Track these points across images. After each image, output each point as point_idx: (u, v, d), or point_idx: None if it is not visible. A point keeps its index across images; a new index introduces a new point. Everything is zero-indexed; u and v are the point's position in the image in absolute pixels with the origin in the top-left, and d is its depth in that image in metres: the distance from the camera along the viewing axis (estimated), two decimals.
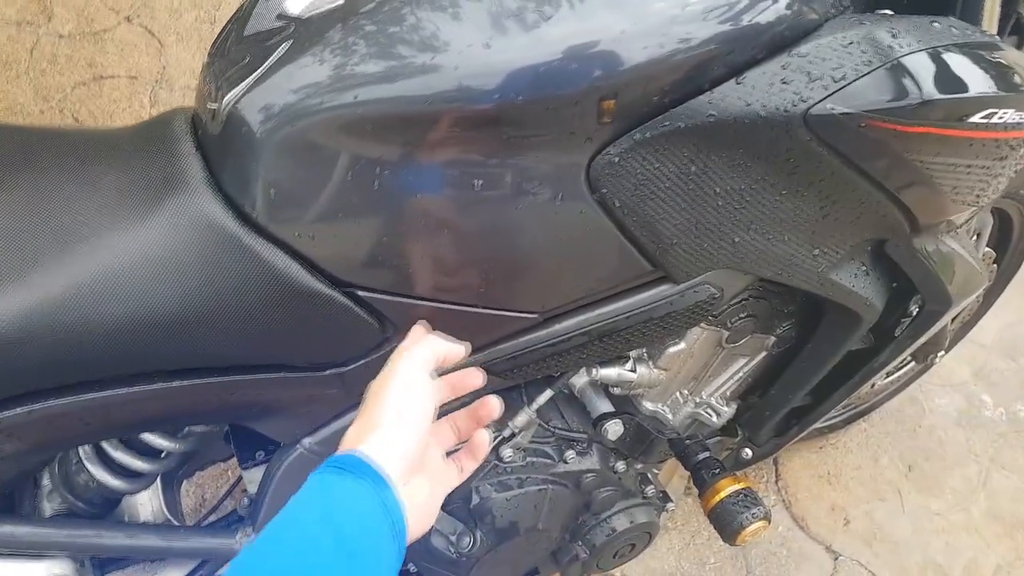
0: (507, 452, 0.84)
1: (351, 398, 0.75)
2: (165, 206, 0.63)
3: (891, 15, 0.66)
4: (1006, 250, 1.50)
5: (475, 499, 0.84)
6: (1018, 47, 0.92)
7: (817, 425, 1.68)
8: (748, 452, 1.00)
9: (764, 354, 0.91)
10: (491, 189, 0.62)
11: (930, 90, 0.60)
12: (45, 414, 0.62)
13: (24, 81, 1.93)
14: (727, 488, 0.87)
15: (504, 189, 0.62)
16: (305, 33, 0.60)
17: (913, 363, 1.63)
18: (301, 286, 0.64)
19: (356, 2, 0.59)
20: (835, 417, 1.72)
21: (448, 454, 0.62)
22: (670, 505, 1.00)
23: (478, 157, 0.60)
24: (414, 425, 0.53)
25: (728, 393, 0.95)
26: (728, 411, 0.94)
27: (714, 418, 0.94)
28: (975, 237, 1.20)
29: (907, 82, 0.60)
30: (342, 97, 0.58)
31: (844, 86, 0.59)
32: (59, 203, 0.63)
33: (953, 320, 1.52)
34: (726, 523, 0.86)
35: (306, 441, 0.77)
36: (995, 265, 1.49)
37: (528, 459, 0.86)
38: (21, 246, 0.60)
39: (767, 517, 0.86)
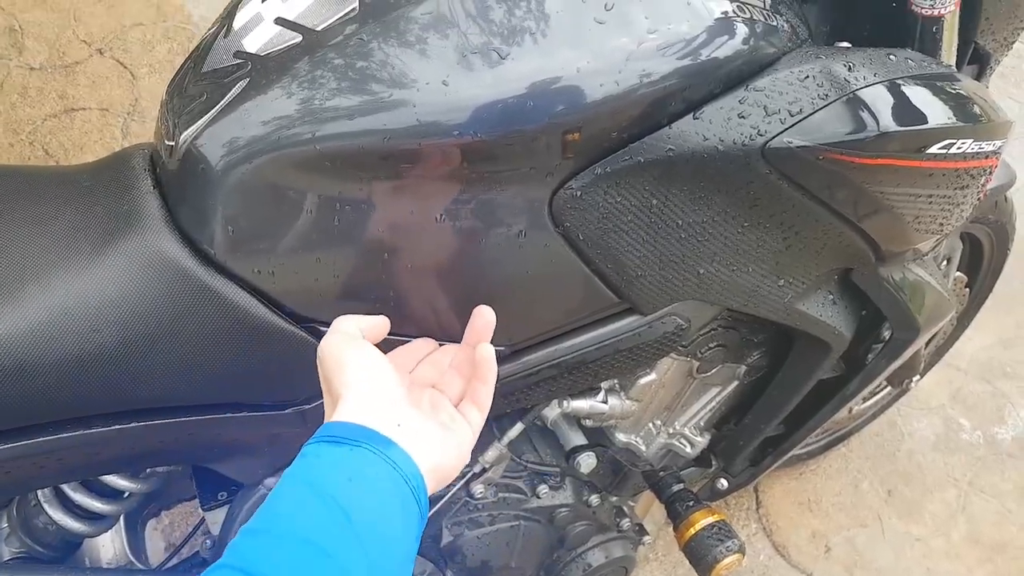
0: (478, 488, 0.83)
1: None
2: (121, 243, 0.61)
3: (848, 48, 0.67)
4: (977, 274, 1.52)
5: (445, 537, 0.82)
6: (977, 77, 0.94)
7: (795, 452, 1.68)
8: (724, 482, 0.99)
9: (736, 383, 0.91)
10: (453, 224, 0.62)
11: (887, 122, 0.61)
12: None
13: None
14: (701, 520, 0.86)
15: (467, 224, 0.62)
16: (262, 70, 0.60)
17: (889, 388, 1.64)
18: (262, 323, 0.63)
19: (314, 40, 0.59)
20: (813, 443, 1.71)
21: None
22: (647, 538, 0.98)
23: (439, 192, 0.60)
24: (378, 375, 0.52)
25: (702, 423, 0.94)
26: (702, 441, 0.94)
27: (688, 448, 0.93)
28: (945, 262, 1.21)
29: (864, 115, 0.61)
30: (300, 134, 0.57)
31: (801, 119, 0.60)
32: (11, 240, 0.62)
33: (927, 344, 1.54)
34: (701, 556, 0.85)
35: (269, 481, 0.75)
36: (967, 289, 1.50)
37: (500, 495, 0.85)
38: None
39: (741, 550, 0.85)
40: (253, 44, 0.61)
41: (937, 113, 0.65)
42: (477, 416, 0.58)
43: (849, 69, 0.62)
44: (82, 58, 2.05)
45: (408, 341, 0.68)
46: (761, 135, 0.60)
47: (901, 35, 0.75)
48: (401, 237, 0.62)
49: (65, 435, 0.62)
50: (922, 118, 0.63)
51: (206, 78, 0.63)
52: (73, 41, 2.07)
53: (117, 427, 0.64)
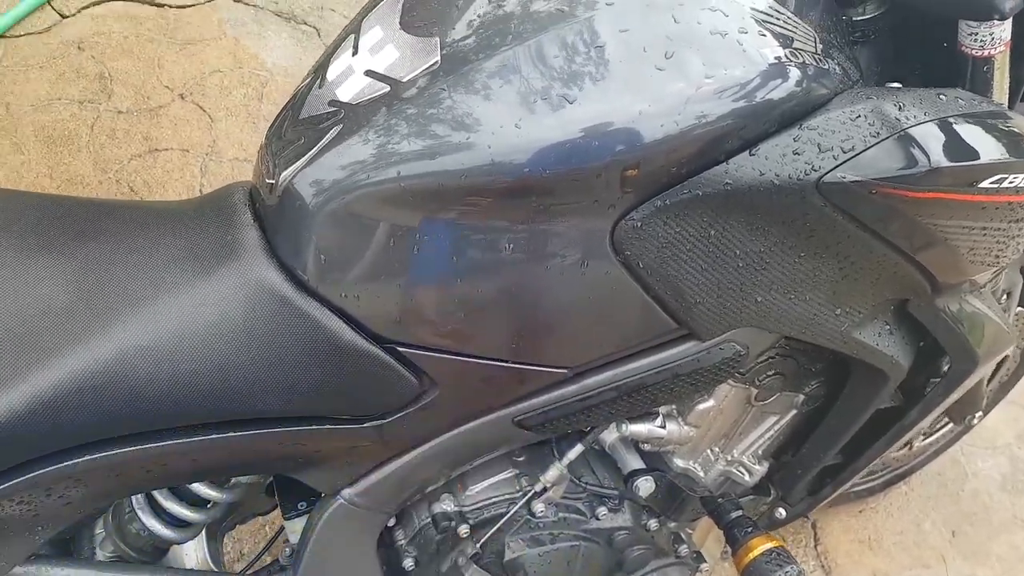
0: (539, 507, 0.86)
1: (389, 449, 0.79)
2: (224, 271, 0.68)
3: (899, 88, 0.70)
4: None
5: (508, 554, 0.86)
6: None
7: (856, 488, 1.67)
8: (782, 512, 1.00)
9: (794, 412, 0.92)
10: (522, 253, 0.67)
11: (938, 158, 0.64)
12: (110, 462, 0.67)
13: (85, 154, 2.07)
14: (760, 546, 0.87)
15: (534, 253, 0.67)
16: (354, 117, 0.66)
17: (951, 425, 1.61)
18: (346, 343, 0.68)
19: (399, 89, 0.66)
20: (874, 480, 1.69)
21: None
22: (704, 566, 0.99)
23: (509, 224, 0.65)
24: None
25: (760, 452, 0.96)
26: (760, 469, 0.95)
27: (746, 476, 0.95)
28: (1006, 296, 1.20)
29: (915, 151, 0.64)
30: (386, 173, 0.63)
31: (854, 156, 0.63)
32: (127, 268, 0.70)
33: (990, 381, 1.51)
34: None
35: (346, 492, 0.80)
36: None
37: (560, 515, 0.88)
38: (93, 308, 0.66)
39: (801, 575, 0.86)
40: (345, 94, 0.68)
41: (988, 149, 0.67)
42: None
43: (900, 108, 0.65)
44: (165, 102, 2.20)
45: (480, 362, 0.73)
46: (815, 170, 0.63)
47: (952, 76, 0.77)
48: (473, 265, 0.67)
49: (171, 442, 0.69)
50: (973, 154, 0.66)
51: (303, 124, 0.70)
52: (157, 87, 2.23)
53: (216, 436, 0.70)
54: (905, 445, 1.55)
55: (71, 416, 0.63)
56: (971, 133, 0.67)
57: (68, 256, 0.70)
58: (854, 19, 0.80)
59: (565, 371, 0.76)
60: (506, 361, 0.74)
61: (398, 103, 0.65)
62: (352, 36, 0.73)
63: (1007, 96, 0.83)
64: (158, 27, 2.38)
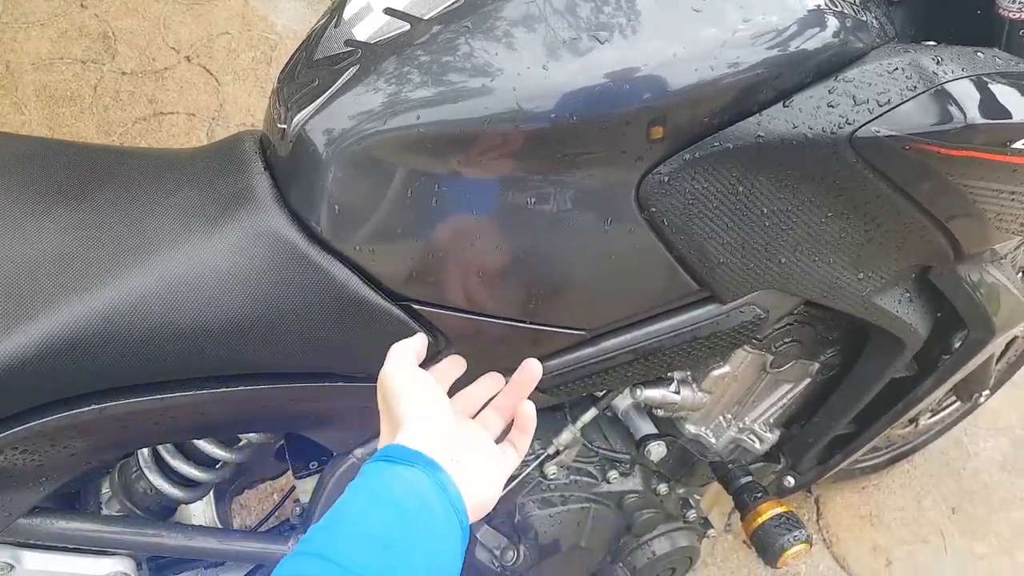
0: (551, 469, 0.86)
1: None
2: (235, 221, 0.66)
3: (936, 45, 0.68)
4: None
5: (519, 515, 0.85)
6: None
7: (860, 465, 1.67)
8: (791, 480, 1.00)
9: (808, 381, 0.92)
10: (544, 207, 0.65)
11: (974, 115, 0.62)
12: (116, 413, 0.66)
13: (88, 116, 2.04)
14: (769, 511, 0.86)
15: (556, 207, 0.65)
16: (372, 58, 0.64)
17: (957, 403, 1.60)
18: (360, 299, 0.67)
19: (420, 29, 0.64)
20: (878, 457, 1.69)
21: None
22: (711, 531, 0.99)
23: (532, 175, 0.63)
24: (434, 406, 0.58)
25: (772, 420, 0.95)
26: (771, 437, 0.95)
27: (757, 444, 0.94)
28: (1021, 273, 1.19)
29: (951, 107, 0.62)
30: (405, 118, 0.61)
31: (889, 110, 0.61)
32: (136, 216, 0.68)
33: (997, 361, 1.50)
34: (768, 545, 0.86)
35: (358, 451, 0.79)
36: None
37: (571, 477, 0.87)
38: (100, 255, 0.65)
39: (808, 540, 0.86)
40: (363, 33, 0.66)
41: (1021, 108, 0.65)
42: (514, 458, 0.62)
43: (937, 63, 0.63)
44: (171, 64, 2.17)
45: (497, 322, 0.72)
46: (849, 124, 0.61)
47: (988, 38, 0.75)
48: (493, 219, 0.65)
49: (179, 394, 0.67)
50: (1008, 113, 0.64)
51: (317, 65, 0.67)
52: (163, 48, 2.20)
53: (224, 389, 0.68)
54: (911, 422, 1.55)
55: (76, 364, 0.62)
56: (1007, 92, 0.65)
57: (77, 201, 0.69)
58: None
59: (583, 333, 0.74)
60: (523, 321, 0.73)
61: (418, 43, 0.63)
62: None
63: None
64: None
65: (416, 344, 0.63)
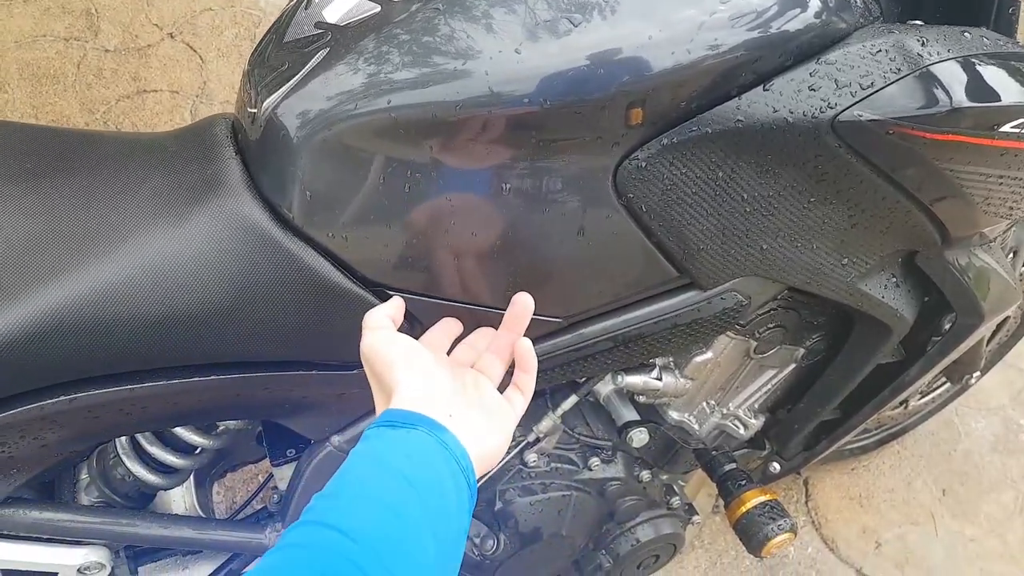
0: (531, 457, 0.85)
1: None
2: (205, 207, 0.65)
3: (922, 25, 0.66)
4: None
5: (499, 503, 0.84)
6: None
7: (850, 446, 1.67)
8: (776, 466, 0.99)
9: (793, 366, 0.91)
10: (519, 193, 0.63)
11: (960, 98, 0.60)
12: (86, 403, 0.64)
13: (71, 94, 2.01)
14: (753, 499, 0.86)
15: (532, 193, 0.64)
16: (342, 40, 0.62)
17: (948, 384, 1.60)
18: (333, 286, 0.66)
19: (391, 11, 0.62)
20: (868, 438, 1.69)
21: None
22: (696, 518, 0.99)
23: (507, 161, 0.62)
24: (426, 367, 0.57)
25: (756, 405, 0.94)
26: (756, 423, 0.94)
27: (741, 430, 0.94)
28: (1012, 254, 1.18)
29: (936, 90, 0.60)
30: (376, 102, 0.60)
31: (872, 93, 0.59)
32: (104, 201, 0.66)
33: (989, 341, 1.50)
34: (752, 534, 0.85)
35: (335, 439, 0.78)
36: None
37: (552, 465, 0.87)
38: (67, 241, 0.63)
39: (793, 529, 0.85)
40: (333, 15, 0.64)
41: (1012, 91, 0.64)
42: (521, 401, 0.62)
43: (922, 44, 0.61)
44: (154, 41, 2.13)
45: (473, 308, 0.71)
46: (831, 107, 0.60)
47: (976, 17, 0.73)
48: (468, 205, 0.64)
49: (149, 384, 0.66)
50: (996, 95, 0.63)
51: (287, 48, 0.65)
52: (146, 25, 2.15)
53: (196, 379, 0.67)
54: (901, 404, 1.54)
55: (44, 354, 0.60)
56: (995, 74, 0.63)
57: (47, 186, 0.67)
58: None
59: (559, 320, 0.73)
60: (499, 308, 0.71)
61: (390, 25, 0.61)
62: None
63: None
64: None
65: (389, 309, 0.62)
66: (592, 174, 0.63)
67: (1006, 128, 0.64)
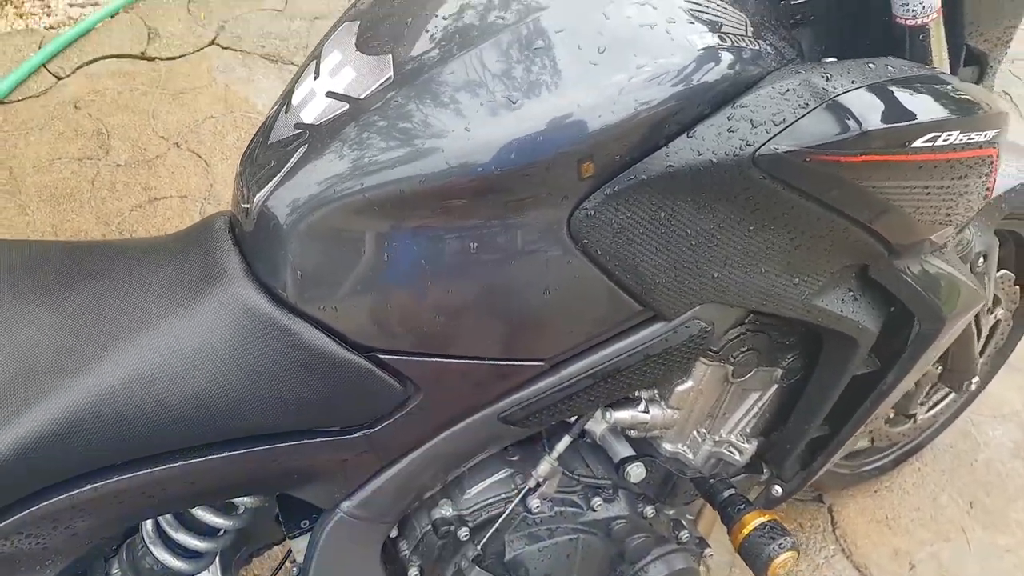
0: (535, 503, 0.88)
1: (382, 458, 0.82)
2: (208, 296, 0.72)
3: (831, 62, 0.73)
4: None
5: (508, 553, 0.88)
6: (979, 76, 0.98)
7: (866, 468, 1.67)
8: (778, 489, 1.02)
9: (775, 387, 0.94)
10: (486, 250, 0.70)
11: (867, 121, 0.67)
12: (112, 489, 0.70)
13: (87, 210, 2.13)
14: (753, 521, 0.88)
15: (498, 249, 0.70)
16: (318, 137, 0.70)
17: (952, 395, 1.61)
18: (328, 354, 0.72)
19: (358, 105, 0.70)
20: (884, 458, 1.69)
21: None
22: (708, 551, 1.01)
23: (471, 224, 0.69)
24: None
25: (748, 430, 0.98)
26: (749, 448, 0.97)
27: (737, 456, 0.97)
28: (982, 258, 1.21)
29: (844, 117, 0.67)
30: (351, 186, 0.67)
31: (785, 127, 0.66)
32: (115, 304, 0.73)
33: (985, 347, 1.52)
34: (755, 556, 0.87)
35: (345, 505, 0.83)
36: (1018, 287, 1.49)
37: (556, 509, 0.90)
38: (88, 343, 0.70)
39: (795, 547, 0.87)
40: (309, 116, 0.72)
41: (918, 109, 0.70)
42: None
43: (827, 79, 0.68)
44: (162, 152, 2.27)
45: (459, 362, 0.76)
46: (750, 145, 0.66)
47: (893, 47, 0.80)
48: (442, 267, 0.70)
49: (169, 466, 0.72)
50: (903, 115, 0.69)
51: (272, 148, 0.74)
52: (153, 138, 2.30)
53: (211, 456, 0.73)
54: (909, 418, 1.56)
55: (72, 447, 0.67)
56: (900, 96, 0.70)
57: (61, 297, 0.74)
58: (792, 2, 0.83)
59: (542, 363, 0.78)
60: (485, 359, 0.77)
61: (357, 119, 0.69)
62: (314, 61, 0.77)
63: (947, 62, 0.85)
64: (151, 80, 2.46)
65: None
66: (548, 226, 0.70)
67: (917, 144, 0.70)
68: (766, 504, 1.03)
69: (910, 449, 1.72)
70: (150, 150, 2.27)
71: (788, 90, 0.67)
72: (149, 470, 0.72)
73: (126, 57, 2.46)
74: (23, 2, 2.48)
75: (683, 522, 1.00)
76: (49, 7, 2.49)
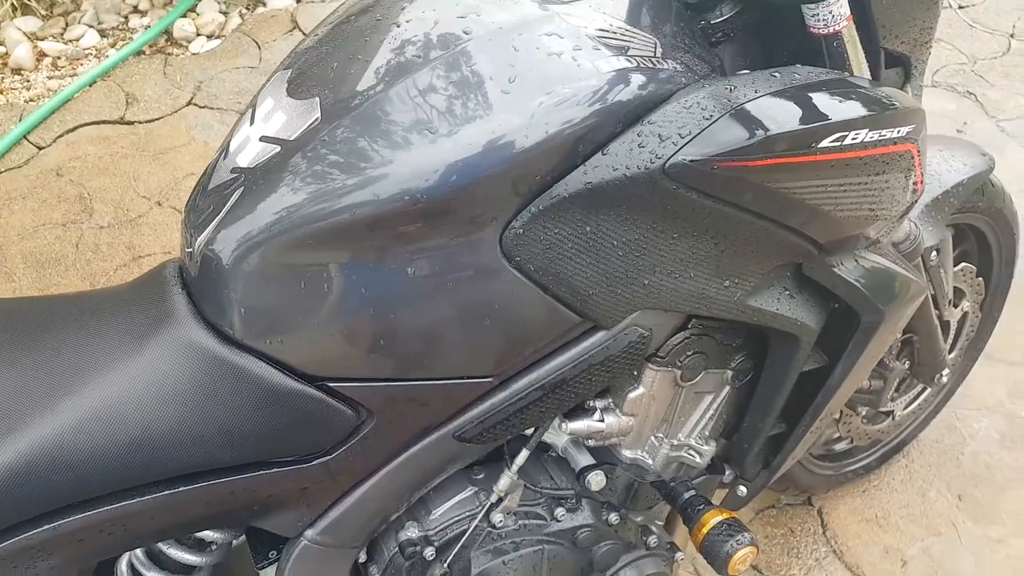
0: (497, 517, 0.90)
1: (341, 484, 0.84)
2: (157, 339, 0.76)
3: (738, 75, 0.78)
4: (990, 264, 1.54)
5: (474, 568, 0.89)
6: (905, 78, 1.02)
7: (851, 468, 1.68)
8: (743, 489, 1.03)
9: (728, 389, 0.97)
10: (423, 274, 0.73)
11: (769, 127, 0.71)
12: (70, 528, 0.72)
13: (72, 272, 2.18)
14: (712, 520, 0.90)
15: (434, 272, 0.73)
16: (253, 179, 0.74)
17: (928, 389, 1.63)
18: (279, 387, 0.75)
19: (288, 147, 0.74)
20: (868, 457, 1.70)
21: None
22: (679, 555, 1.02)
23: (403, 250, 0.72)
24: None
25: (707, 432, 1.00)
26: (709, 449, 0.99)
27: (697, 458, 0.99)
28: (935, 252, 1.25)
29: (748, 124, 0.70)
30: (285, 223, 0.71)
31: (691, 139, 0.70)
32: (71, 353, 0.77)
33: (956, 341, 1.54)
34: (715, 553, 0.89)
35: (309, 532, 0.85)
36: (980, 279, 1.52)
37: (520, 522, 0.92)
38: (43, 391, 0.73)
39: (753, 543, 0.89)
40: (244, 160, 0.76)
41: (822, 112, 0.74)
42: None
43: (730, 91, 0.72)
44: (144, 211, 2.32)
45: (406, 384, 0.79)
46: (659, 158, 0.70)
47: (813, 57, 0.85)
48: (382, 294, 0.74)
49: (126, 503, 0.74)
50: (806, 118, 0.73)
51: (211, 194, 0.78)
52: (135, 198, 2.35)
53: (168, 492, 0.75)
54: (887, 415, 1.57)
55: (29, 488, 0.69)
56: (804, 100, 0.74)
57: (20, 351, 0.77)
58: (712, 22, 0.87)
59: (491, 379, 0.81)
60: (433, 379, 0.80)
61: (288, 159, 0.73)
62: (251, 110, 0.82)
63: (865, 66, 0.89)
64: (131, 143, 2.52)
65: None
66: (481, 246, 0.73)
67: (824, 144, 0.74)
68: (734, 506, 1.05)
69: (895, 446, 1.73)
70: (133, 210, 2.32)
71: (693, 104, 0.71)
72: (107, 508, 0.74)
73: (105, 123, 2.53)
74: (2, 79, 2.55)
75: (651, 527, 1.02)
76: (28, 81, 2.56)
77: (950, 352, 1.57)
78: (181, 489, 0.75)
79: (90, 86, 2.57)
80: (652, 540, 1.00)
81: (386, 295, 0.74)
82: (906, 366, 1.39)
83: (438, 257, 0.73)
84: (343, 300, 0.73)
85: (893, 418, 1.58)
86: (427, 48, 0.74)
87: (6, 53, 2.61)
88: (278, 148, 0.75)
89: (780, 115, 0.72)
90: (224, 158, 0.79)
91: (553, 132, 0.70)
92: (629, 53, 0.74)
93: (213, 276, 0.74)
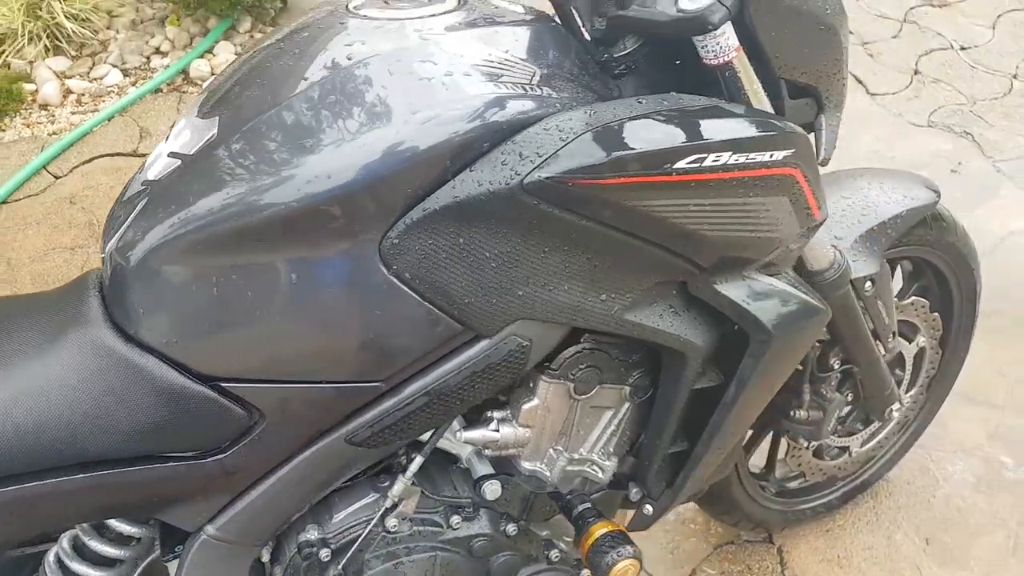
0: (392, 522, 0.93)
1: (238, 482, 0.88)
2: (68, 338, 0.83)
3: (608, 102, 0.82)
4: (950, 300, 1.53)
5: (366, 571, 0.92)
6: (818, 111, 1.04)
7: (812, 505, 1.66)
8: (649, 508, 1.04)
9: (628, 405, 0.99)
10: (307, 280, 0.79)
11: (620, 148, 0.75)
12: None
13: None
14: (599, 531, 0.92)
15: (317, 278, 0.79)
16: (156, 190, 0.81)
17: (892, 426, 1.60)
18: (172, 384, 0.80)
19: (187, 161, 0.81)
20: (829, 495, 1.67)
21: None
22: (584, 573, 1.03)
23: (287, 257, 0.78)
24: None
25: (611, 448, 1.02)
26: (611, 465, 1.01)
27: (600, 473, 1.01)
28: (870, 283, 1.24)
29: (601, 144, 0.75)
30: (181, 229, 0.78)
31: (547, 158, 0.75)
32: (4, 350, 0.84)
33: (915, 378, 1.53)
34: (597, 564, 0.90)
35: (208, 528, 0.89)
36: (936, 314, 1.51)
37: (414, 528, 0.94)
38: None
39: (636, 556, 0.90)
40: (152, 173, 0.84)
41: (679, 134, 0.78)
42: None
43: (589, 116, 0.77)
44: None
45: (298, 387, 0.84)
46: (518, 174, 0.75)
47: (714, 88, 0.89)
48: (268, 298, 0.79)
49: (30, 485, 0.80)
50: (660, 140, 0.77)
51: (123, 204, 0.85)
52: None
53: (68, 478, 0.81)
54: (842, 451, 1.55)
55: None
56: (661, 124, 0.78)
57: None
58: (615, 55, 0.92)
59: (380, 384, 0.85)
60: (323, 382, 0.84)
61: (186, 172, 0.80)
62: (170, 129, 0.90)
63: (762, 95, 0.93)
64: None
65: None
66: (360, 254, 0.78)
67: (680, 165, 0.77)
68: (642, 524, 1.06)
69: (858, 485, 1.70)
70: None
71: (553, 126, 0.76)
72: (9, 488, 0.79)
73: (119, 155, 2.68)
74: (31, 113, 2.73)
75: (556, 542, 1.03)
76: (53, 116, 2.74)
77: (908, 389, 1.55)
78: (80, 476, 0.81)
79: (108, 121, 2.73)
80: (554, 554, 1.01)
81: (272, 299, 0.79)
82: (848, 398, 1.38)
83: (320, 264, 0.79)
84: (231, 304, 0.79)
85: (850, 454, 1.57)
86: (314, 72, 0.81)
87: (36, 90, 2.79)
88: (179, 162, 0.82)
89: (631, 137, 0.76)
90: (140, 172, 0.87)
91: (422, 149, 0.75)
92: (502, 80, 0.80)
93: (119, 280, 0.81)
